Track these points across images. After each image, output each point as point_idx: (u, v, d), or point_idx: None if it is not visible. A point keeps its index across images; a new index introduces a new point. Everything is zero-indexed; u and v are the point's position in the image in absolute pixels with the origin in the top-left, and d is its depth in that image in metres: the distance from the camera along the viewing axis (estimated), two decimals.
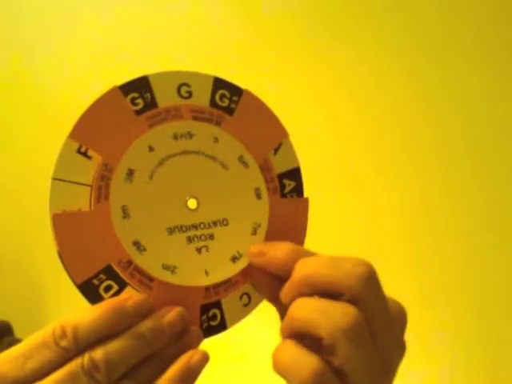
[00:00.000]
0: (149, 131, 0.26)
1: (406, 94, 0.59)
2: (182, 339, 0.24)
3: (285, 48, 0.64)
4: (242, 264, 0.27)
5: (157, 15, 0.69)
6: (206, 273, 0.26)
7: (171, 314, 0.24)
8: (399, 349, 0.26)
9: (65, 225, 0.23)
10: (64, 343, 0.22)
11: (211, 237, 0.27)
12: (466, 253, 0.58)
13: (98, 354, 0.22)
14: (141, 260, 0.24)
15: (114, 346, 0.22)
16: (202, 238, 0.26)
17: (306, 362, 0.23)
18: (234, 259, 0.27)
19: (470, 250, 0.57)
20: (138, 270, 0.24)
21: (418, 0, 0.58)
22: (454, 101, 0.57)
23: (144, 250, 0.24)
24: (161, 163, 0.26)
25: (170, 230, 0.25)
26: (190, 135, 0.27)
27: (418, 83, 0.58)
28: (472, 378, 0.56)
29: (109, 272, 0.24)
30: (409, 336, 0.27)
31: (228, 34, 0.66)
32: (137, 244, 0.24)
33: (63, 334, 0.22)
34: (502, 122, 0.55)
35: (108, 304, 0.23)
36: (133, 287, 0.24)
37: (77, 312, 0.23)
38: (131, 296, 0.23)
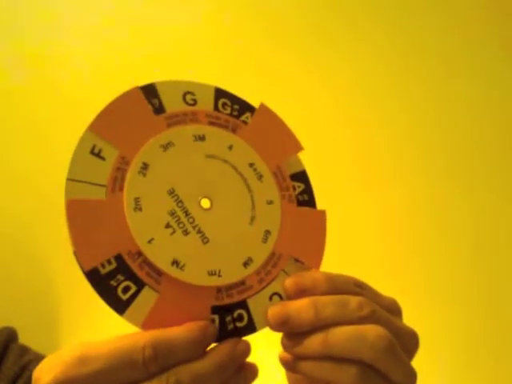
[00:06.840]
0: (167, 130, 0.26)
1: (403, 98, 0.62)
2: (240, 373, 0.25)
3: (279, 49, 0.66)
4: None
5: (174, 17, 0.71)
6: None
7: (243, 344, 0.25)
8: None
9: (78, 210, 0.23)
10: (153, 368, 0.22)
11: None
12: (473, 253, 0.58)
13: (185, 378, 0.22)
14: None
15: (197, 370, 0.23)
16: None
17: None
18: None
19: (477, 249, 0.58)
20: (147, 263, 0.24)
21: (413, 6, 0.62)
22: (456, 105, 0.60)
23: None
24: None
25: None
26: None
27: (422, 87, 0.62)
28: (477, 379, 0.56)
29: (118, 262, 0.24)
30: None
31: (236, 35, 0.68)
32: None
33: (155, 357, 0.22)
34: (495, 124, 0.59)
35: (193, 327, 0.24)
36: (141, 279, 0.24)
37: (168, 332, 0.23)
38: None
